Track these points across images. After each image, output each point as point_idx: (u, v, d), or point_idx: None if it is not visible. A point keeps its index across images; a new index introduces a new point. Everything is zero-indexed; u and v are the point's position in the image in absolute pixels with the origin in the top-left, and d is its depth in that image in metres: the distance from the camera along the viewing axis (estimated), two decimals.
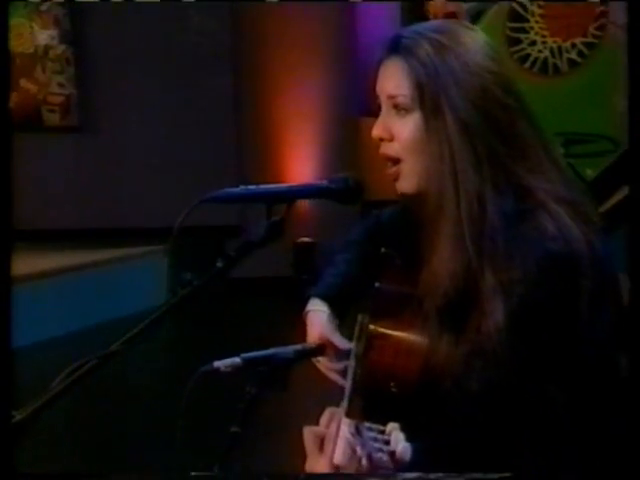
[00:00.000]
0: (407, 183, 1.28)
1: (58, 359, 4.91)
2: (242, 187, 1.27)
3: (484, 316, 1.16)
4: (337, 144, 6.37)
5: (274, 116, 6.33)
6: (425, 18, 3.68)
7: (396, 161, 1.28)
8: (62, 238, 6.03)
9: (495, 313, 1.15)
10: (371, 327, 1.29)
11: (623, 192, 3.39)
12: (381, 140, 1.29)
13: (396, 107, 1.28)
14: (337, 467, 1.04)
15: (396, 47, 1.27)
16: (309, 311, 1.49)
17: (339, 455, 1.03)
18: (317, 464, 1.12)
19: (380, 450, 0.99)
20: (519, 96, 1.28)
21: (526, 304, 1.14)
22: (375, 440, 1.00)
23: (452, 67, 1.24)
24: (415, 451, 1.01)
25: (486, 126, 1.23)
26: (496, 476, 1.03)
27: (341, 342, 1.42)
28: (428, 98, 1.24)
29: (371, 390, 1.22)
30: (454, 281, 1.19)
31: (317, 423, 1.29)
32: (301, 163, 6.42)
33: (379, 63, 1.30)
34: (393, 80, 1.28)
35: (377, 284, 1.36)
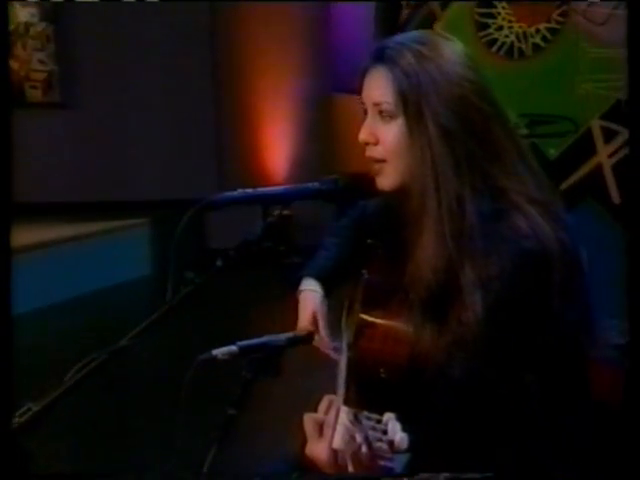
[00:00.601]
0: (388, 181, 1.34)
1: (47, 328, 4.90)
2: (240, 190, 1.31)
3: (464, 308, 1.22)
4: (311, 120, 6.38)
5: (251, 93, 6.31)
6: (398, 3, 3.66)
7: (381, 162, 1.32)
8: (46, 212, 5.99)
9: (475, 306, 1.21)
10: (362, 316, 1.35)
11: (584, 170, 3.45)
12: (367, 144, 1.33)
13: (381, 113, 1.33)
14: (336, 451, 1.09)
15: (381, 57, 1.31)
16: (303, 290, 1.55)
17: (338, 440, 1.08)
18: (317, 448, 1.17)
19: (379, 440, 1.03)
20: (494, 102, 1.33)
21: (503, 298, 1.21)
22: (374, 429, 1.04)
23: (433, 76, 1.29)
24: (412, 441, 1.06)
25: (464, 131, 1.28)
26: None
27: (325, 329, 1.47)
28: (411, 105, 1.29)
29: (362, 376, 1.28)
30: (436, 275, 1.25)
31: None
32: (277, 138, 6.42)
33: (364, 71, 1.34)
34: (378, 88, 1.32)
35: (366, 275, 1.41)
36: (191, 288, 1.23)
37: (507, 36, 3.54)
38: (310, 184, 1.38)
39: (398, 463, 1.11)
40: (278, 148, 6.42)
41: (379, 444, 1.03)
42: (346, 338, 1.42)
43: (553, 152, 3.48)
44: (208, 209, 1.27)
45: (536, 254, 1.22)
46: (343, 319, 1.50)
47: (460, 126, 1.28)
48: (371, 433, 1.04)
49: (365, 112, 1.36)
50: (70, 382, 1.14)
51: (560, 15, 3.45)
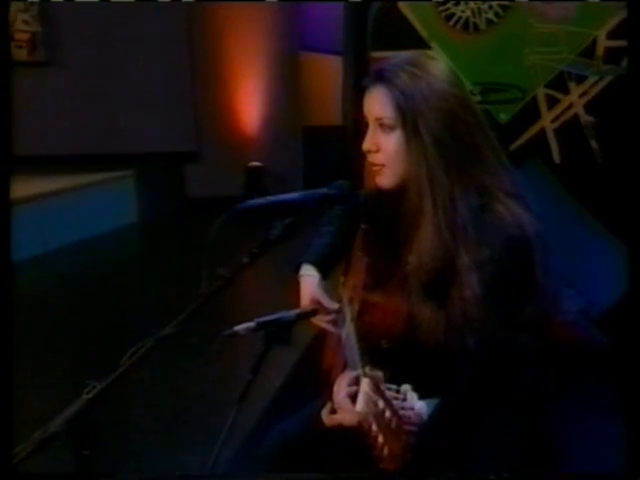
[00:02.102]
0: (387, 181, 1.44)
1: (43, 274, 4.92)
2: (262, 198, 1.38)
3: (464, 287, 1.32)
4: (280, 76, 6.36)
5: (224, 53, 6.26)
6: None
7: (381, 166, 1.42)
8: (35, 166, 5.92)
9: (472, 285, 1.32)
10: (364, 295, 1.45)
11: (530, 133, 3.58)
12: (369, 151, 1.42)
13: (381, 126, 1.42)
14: (360, 415, 1.16)
15: (380, 77, 1.40)
16: (303, 275, 1.63)
17: (361, 404, 1.15)
18: (342, 412, 1.27)
19: (402, 408, 1.09)
20: (476, 112, 1.43)
21: (496, 276, 1.32)
22: (395, 399, 1.11)
23: (425, 94, 1.38)
24: (429, 408, 1.15)
25: (452, 139, 1.38)
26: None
27: (329, 303, 1.58)
28: (407, 119, 1.38)
29: (368, 347, 1.37)
30: (435, 262, 1.36)
31: None
32: (248, 95, 6.40)
33: (365, 89, 1.42)
34: (378, 105, 1.41)
35: (366, 259, 1.50)
36: (222, 282, 1.33)
37: (463, 11, 3.60)
38: (320, 190, 1.47)
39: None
40: (250, 103, 6.41)
41: (402, 412, 1.09)
42: (349, 314, 1.51)
43: (504, 117, 3.59)
44: (238, 216, 1.34)
45: (519, 239, 1.33)
46: (343, 297, 1.58)
47: (449, 136, 1.37)
48: (393, 402, 1.09)
49: (367, 124, 1.44)
50: (126, 365, 1.24)
51: None
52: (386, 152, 1.41)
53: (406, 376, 1.24)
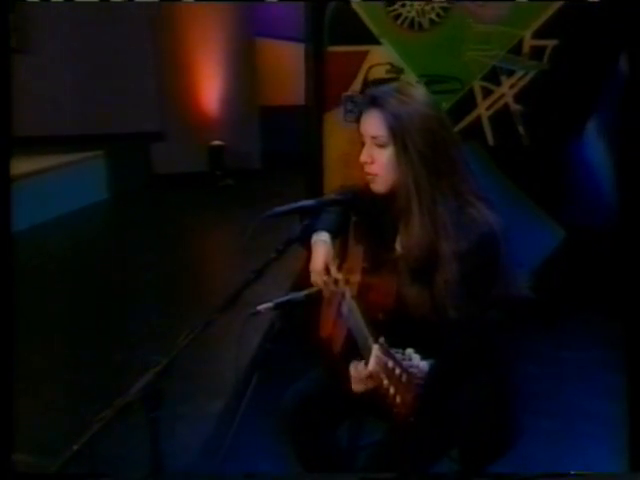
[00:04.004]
0: (380, 187, 1.62)
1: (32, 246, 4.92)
2: (285, 206, 1.53)
3: (446, 272, 1.51)
4: (237, 61, 6.41)
5: (185, 38, 6.26)
6: None
7: (375, 175, 1.59)
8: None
9: (453, 271, 1.52)
10: (364, 278, 1.61)
11: (468, 120, 3.80)
12: (365, 163, 1.59)
13: (376, 143, 1.58)
14: (371, 375, 1.32)
15: (373, 102, 1.58)
16: (318, 240, 1.74)
17: (373, 364, 1.31)
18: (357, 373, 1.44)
19: (410, 366, 1.24)
20: (449, 128, 1.62)
21: (471, 265, 1.51)
22: (402, 360, 1.26)
23: (411, 116, 1.56)
24: (431, 367, 1.33)
25: (433, 153, 1.57)
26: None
27: (335, 273, 1.70)
28: (398, 137, 1.56)
29: (369, 319, 1.54)
30: (421, 252, 1.55)
31: None
32: (209, 77, 6.43)
33: (361, 113, 1.58)
34: (374, 126, 1.59)
35: (361, 247, 1.66)
36: (255, 274, 1.48)
37: (409, 12, 3.77)
38: (330, 195, 1.62)
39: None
40: (210, 87, 6.44)
41: (410, 369, 1.22)
42: (348, 292, 1.65)
43: (445, 105, 3.78)
44: (267, 220, 1.49)
45: (488, 235, 1.52)
46: (340, 280, 1.71)
47: (430, 150, 1.54)
48: (401, 362, 1.24)
49: (363, 142, 1.60)
50: (182, 345, 1.40)
51: None
52: (379, 164, 1.58)
53: (401, 342, 1.38)
